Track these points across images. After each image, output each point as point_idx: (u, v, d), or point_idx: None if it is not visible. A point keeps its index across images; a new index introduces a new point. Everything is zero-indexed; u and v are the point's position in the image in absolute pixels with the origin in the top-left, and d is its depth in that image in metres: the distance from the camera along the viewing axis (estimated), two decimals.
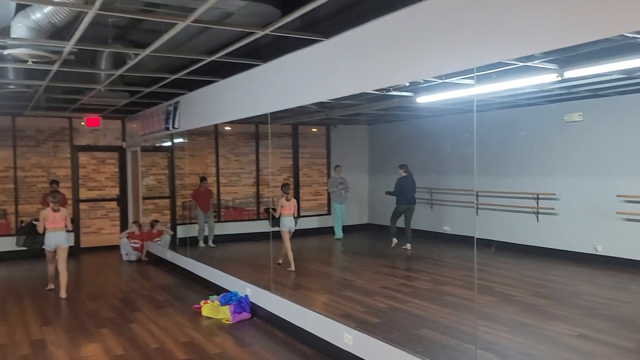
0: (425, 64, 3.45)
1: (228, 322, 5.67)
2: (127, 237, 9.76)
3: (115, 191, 11.60)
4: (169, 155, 11.58)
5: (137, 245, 9.75)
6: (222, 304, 5.94)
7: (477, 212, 10.36)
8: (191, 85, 7.46)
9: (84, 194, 11.29)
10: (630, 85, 7.14)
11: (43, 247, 7.06)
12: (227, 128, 12.77)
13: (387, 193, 10.23)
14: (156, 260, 9.44)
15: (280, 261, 8.19)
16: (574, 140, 8.52)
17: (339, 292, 6.93)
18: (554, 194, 8.70)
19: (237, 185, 12.93)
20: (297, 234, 10.64)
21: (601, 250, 7.96)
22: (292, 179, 13.16)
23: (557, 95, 8.08)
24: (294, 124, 12.69)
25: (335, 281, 7.59)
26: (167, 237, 9.81)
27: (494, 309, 5.99)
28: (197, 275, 7.52)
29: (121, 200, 11.26)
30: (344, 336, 4.34)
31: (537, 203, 9.04)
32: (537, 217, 9.06)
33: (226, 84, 6.42)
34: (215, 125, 12.11)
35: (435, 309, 5.98)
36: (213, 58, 5.25)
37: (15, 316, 6.12)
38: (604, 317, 5.60)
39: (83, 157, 11.31)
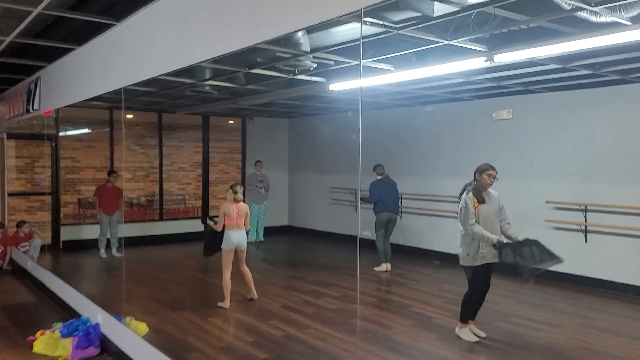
0: (300, 10, 2.33)
1: None
2: None
3: None
4: (53, 144, 9.96)
5: None
6: (64, 336, 4.58)
7: (400, 217, 9.48)
8: (56, 56, 5.98)
9: None
10: (563, 80, 6.43)
11: None
12: (130, 116, 11.27)
13: (362, 200, 8.26)
14: (19, 271, 7.83)
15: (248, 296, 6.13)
16: (502, 139, 7.78)
17: (228, 314, 5.73)
18: None
19: (144, 181, 11.47)
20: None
21: None
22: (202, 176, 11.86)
23: (486, 89, 7.29)
24: (202, 114, 11.37)
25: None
26: (37, 241, 8.20)
27: (407, 337, 5.01)
28: (55, 294, 6.07)
29: None
30: None
31: None
32: None
33: (82, 53, 5.05)
34: (111, 112, 10.61)
35: (338, 338, 4.90)
36: (39, 9, 3.88)
37: None
38: (533, 347, 4.75)
39: None
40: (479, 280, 4.69)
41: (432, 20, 4.03)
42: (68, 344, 4.48)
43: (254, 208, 10.25)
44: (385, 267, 7.82)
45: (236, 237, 5.81)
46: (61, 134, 10.26)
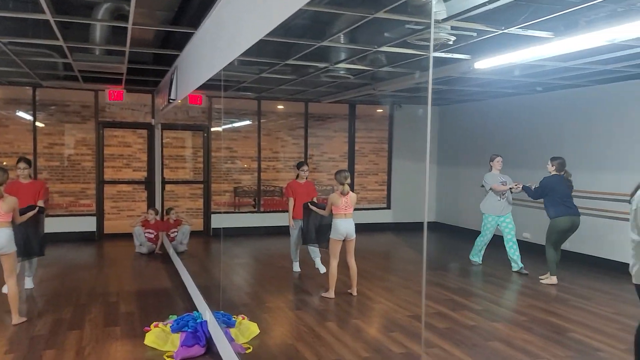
0: None
1: None
2: (141, 226, 8.62)
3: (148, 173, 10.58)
4: (204, 135, 10.41)
5: (152, 236, 8.58)
6: (174, 331, 4.44)
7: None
8: (185, 43, 5.94)
9: (129, 175, 10.26)
10: None
11: None
12: (280, 106, 11.36)
13: (525, 190, 6.77)
14: (166, 256, 8.19)
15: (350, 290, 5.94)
16: None
17: (349, 319, 5.18)
18: None
19: (295, 171, 11.53)
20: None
21: None
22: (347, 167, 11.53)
23: None
24: (348, 102, 11.03)
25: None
26: (185, 228, 8.53)
27: None
28: (184, 283, 6.11)
29: (149, 183, 10.19)
30: None
31: None
32: None
33: (198, 37, 4.85)
34: (258, 102, 10.73)
35: None
36: None
37: None
38: None
39: (132, 136, 10.30)
40: None
41: None
42: (177, 339, 4.32)
43: (492, 221, 7.34)
44: (555, 279, 6.56)
45: (344, 227, 5.71)
46: (213, 126, 10.67)
